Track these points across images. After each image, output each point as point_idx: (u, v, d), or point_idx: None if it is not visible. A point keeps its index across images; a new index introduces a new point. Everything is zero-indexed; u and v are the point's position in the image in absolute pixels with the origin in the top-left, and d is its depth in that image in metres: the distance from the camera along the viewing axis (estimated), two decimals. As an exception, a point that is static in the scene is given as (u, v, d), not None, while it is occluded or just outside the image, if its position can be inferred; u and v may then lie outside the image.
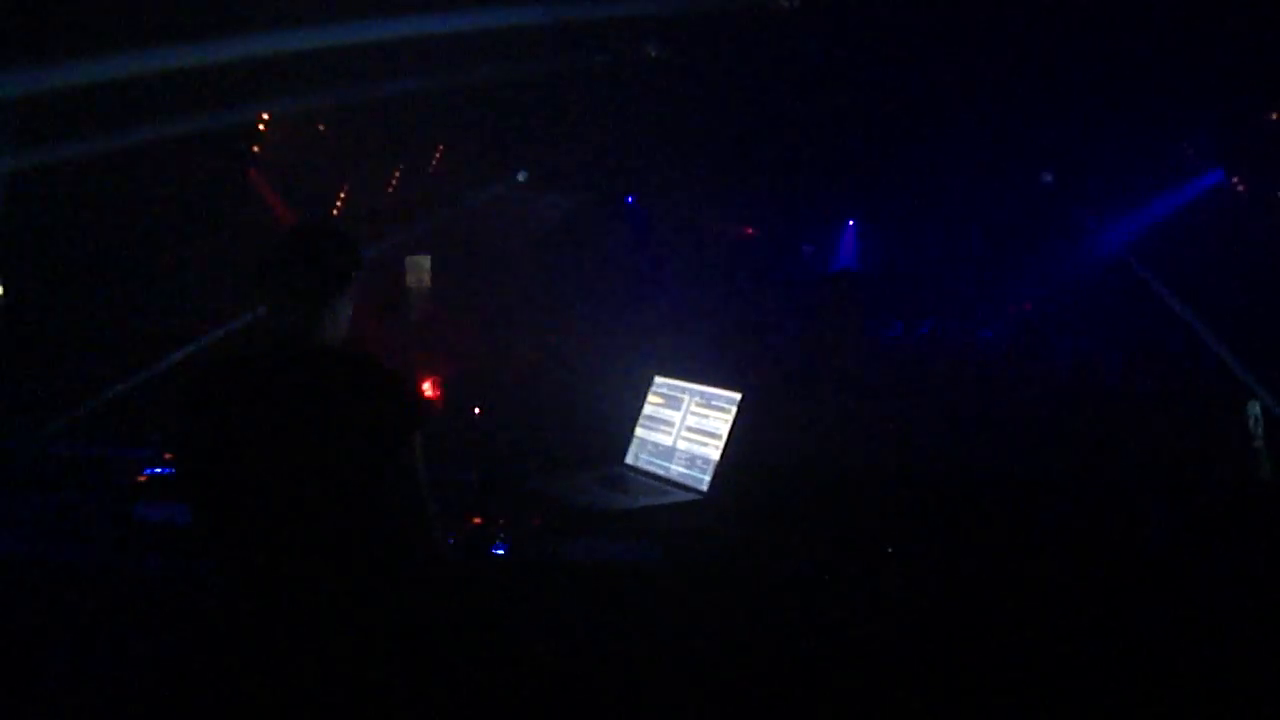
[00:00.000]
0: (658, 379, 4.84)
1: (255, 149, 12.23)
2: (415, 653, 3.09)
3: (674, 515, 4.16)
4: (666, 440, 4.59)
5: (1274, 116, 11.46)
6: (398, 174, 14.98)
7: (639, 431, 4.79)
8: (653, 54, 11.00)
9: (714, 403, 4.42)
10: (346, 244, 3.25)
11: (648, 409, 4.80)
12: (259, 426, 2.96)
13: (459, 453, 5.98)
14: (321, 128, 12.93)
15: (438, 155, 14.84)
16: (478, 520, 4.10)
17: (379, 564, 3.02)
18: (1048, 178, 13.47)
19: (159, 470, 4.68)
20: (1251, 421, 9.85)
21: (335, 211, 14.13)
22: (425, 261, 15.86)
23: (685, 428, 4.51)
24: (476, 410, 10.03)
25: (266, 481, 2.93)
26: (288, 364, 3.08)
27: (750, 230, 16.83)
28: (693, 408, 4.53)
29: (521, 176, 15.14)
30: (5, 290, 9.93)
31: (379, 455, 2.97)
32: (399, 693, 3.03)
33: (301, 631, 2.95)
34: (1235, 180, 12.83)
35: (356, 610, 2.97)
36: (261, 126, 11.85)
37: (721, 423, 4.33)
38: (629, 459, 4.77)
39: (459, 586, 3.45)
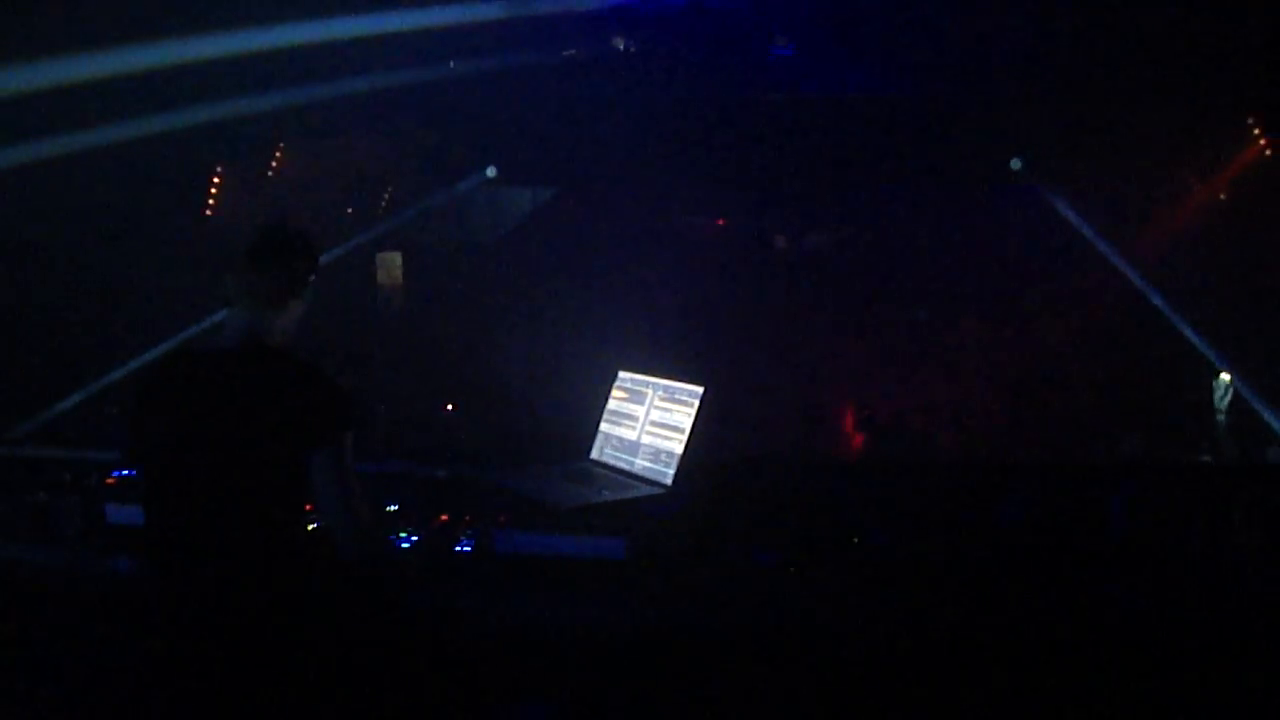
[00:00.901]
0: (621, 374, 4.85)
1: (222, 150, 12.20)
2: (321, 629, 3.31)
3: (639, 509, 4.18)
4: (631, 435, 4.61)
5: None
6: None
7: (604, 426, 4.81)
8: (621, 46, 11.02)
9: (677, 397, 4.45)
10: (305, 248, 3.46)
11: (612, 404, 4.82)
12: (197, 414, 3.22)
13: (427, 449, 6.01)
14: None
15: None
16: (444, 518, 4.12)
17: (291, 543, 3.29)
18: (1017, 164, 13.52)
19: (128, 472, 4.68)
20: (1219, 393, 9.95)
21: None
22: (396, 258, 15.85)
23: (649, 422, 4.53)
24: (450, 407, 10.07)
25: (198, 463, 3.19)
26: (235, 360, 3.31)
27: (721, 221, 16.83)
28: (656, 402, 4.55)
29: (491, 172, 15.14)
30: None
31: (307, 447, 3.19)
32: (305, 668, 3.25)
33: (214, 600, 3.18)
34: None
35: (264, 584, 3.21)
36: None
37: (685, 416, 4.36)
38: (594, 454, 4.78)
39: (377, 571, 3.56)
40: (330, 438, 3.22)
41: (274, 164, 13.38)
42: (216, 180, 12.58)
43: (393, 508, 4.26)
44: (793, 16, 10.09)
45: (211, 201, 12.45)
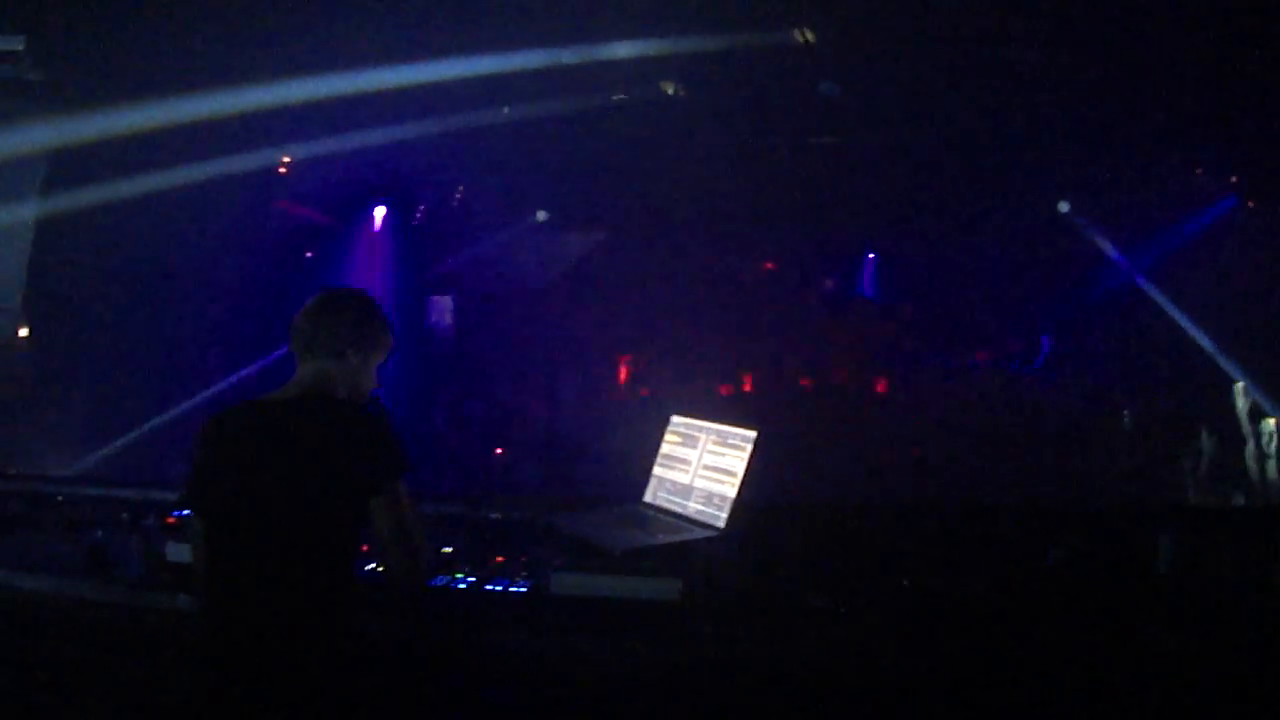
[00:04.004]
0: (675, 418, 4.90)
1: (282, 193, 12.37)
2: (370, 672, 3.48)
3: (692, 552, 4.23)
4: (684, 478, 4.65)
5: None
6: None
7: (657, 470, 4.85)
8: (670, 91, 11.11)
9: (730, 441, 4.49)
10: (357, 303, 3.64)
11: (665, 448, 4.86)
12: (258, 463, 3.33)
13: (481, 492, 6.07)
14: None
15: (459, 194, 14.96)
16: (500, 559, 4.18)
17: (344, 590, 3.40)
18: (1064, 207, 13.51)
19: (187, 513, 4.77)
20: (1265, 439, 9.89)
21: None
22: (447, 302, 15.97)
23: (702, 465, 4.58)
24: (499, 450, 10.13)
25: (257, 510, 3.30)
26: (294, 410, 3.45)
27: (770, 265, 16.83)
28: (709, 446, 4.59)
29: (541, 216, 15.25)
30: (32, 333, 10.07)
31: (364, 494, 3.32)
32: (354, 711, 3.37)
33: (268, 643, 3.28)
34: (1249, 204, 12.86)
35: (317, 629, 3.32)
36: (283, 170, 12.00)
37: (738, 460, 4.39)
38: (648, 497, 4.82)
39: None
40: (385, 485, 3.35)
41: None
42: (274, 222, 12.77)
43: (448, 550, 4.31)
44: (839, 60, 10.15)
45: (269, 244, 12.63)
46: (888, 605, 3.76)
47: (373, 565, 4.02)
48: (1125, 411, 10.98)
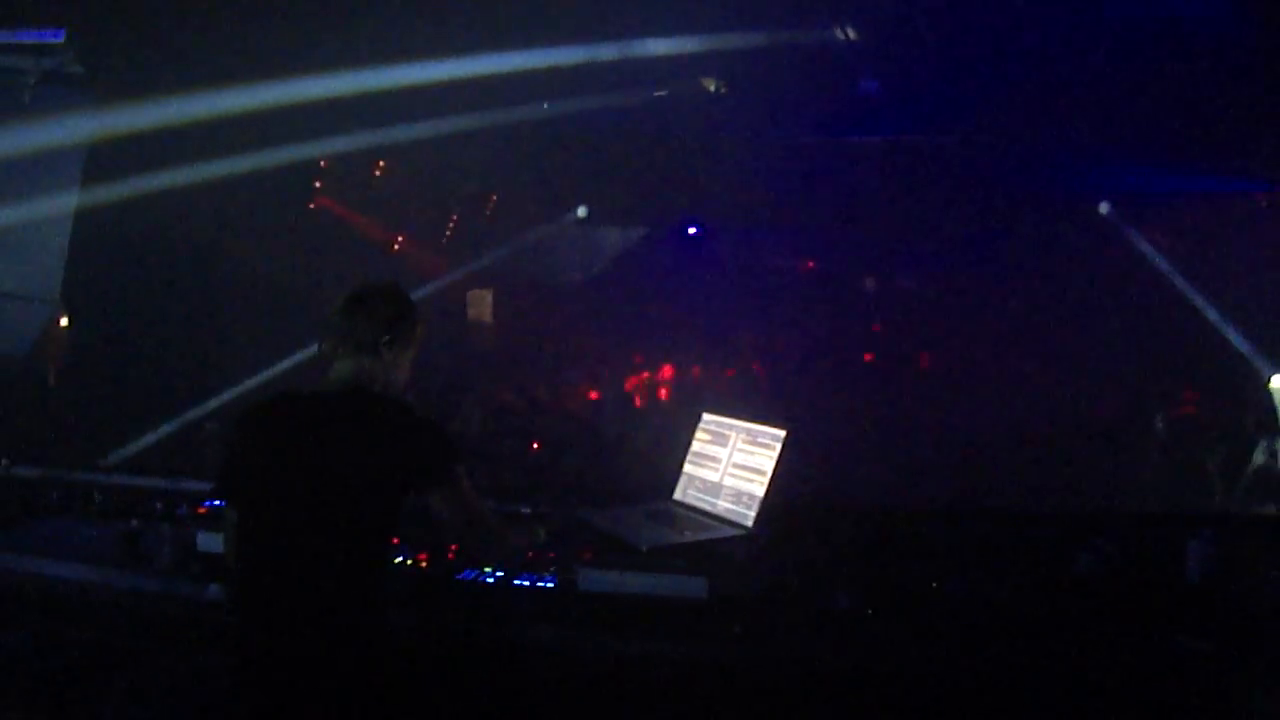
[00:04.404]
0: (706, 416, 4.91)
1: (317, 184, 12.43)
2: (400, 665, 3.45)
3: (720, 550, 4.24)
4: (714, 476, 4.67)
5: None
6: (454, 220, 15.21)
7: (687, 468, 4.87)
8: (712, 88, 11.08)
9: (760, 439, 4.50)
10: (402, 303, 3.64)
11: (696, 445, 4.88)
12: (295, 455, 3.34)
13: (513, 487, 6.08)
14: (381, 164, 13.14)
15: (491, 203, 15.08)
16: (529, 554, 4.19)
17: (377, 583, 3.41)
18: (1105, 207, 13.40)
19: (219, 503, 4.82)
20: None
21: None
22: (487, 296, 16.02)
23: (732, 464, 4.59)
24: (535, 445, 10.15)
25: (293, 502, 3.30)
26: (333, 403, 3.46)
27: (810, 264, 16.78)
28: (739, 444, 4.60)
29: (581, 212, 15.26)
30: (72, 323, 10.17)
31: (413, 488, 3.38)
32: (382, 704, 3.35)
33: (300, 635, 3.29)
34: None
35: (344, 616, 3.32)
36: (324, 164, 12.07)
37: (767, 459, 4.41)
38: (677, 494, 4.84)
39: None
40: (443, 476, 3.41)
41: (370, 189, 13.64)
42: (314, 210, 12.85)
43: (474, 552, 4.33)
44: (881, 56, 10.10)
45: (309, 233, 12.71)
46: (915, 608, 3.75)
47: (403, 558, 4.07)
48: (1158, 415, 10.85)
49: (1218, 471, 9.34)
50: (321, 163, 12.10)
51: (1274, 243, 12.48)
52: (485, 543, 3.71)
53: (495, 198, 15.27)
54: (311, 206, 12.82)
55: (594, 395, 13.27)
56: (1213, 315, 12.82)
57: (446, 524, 3.46)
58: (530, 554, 4.13)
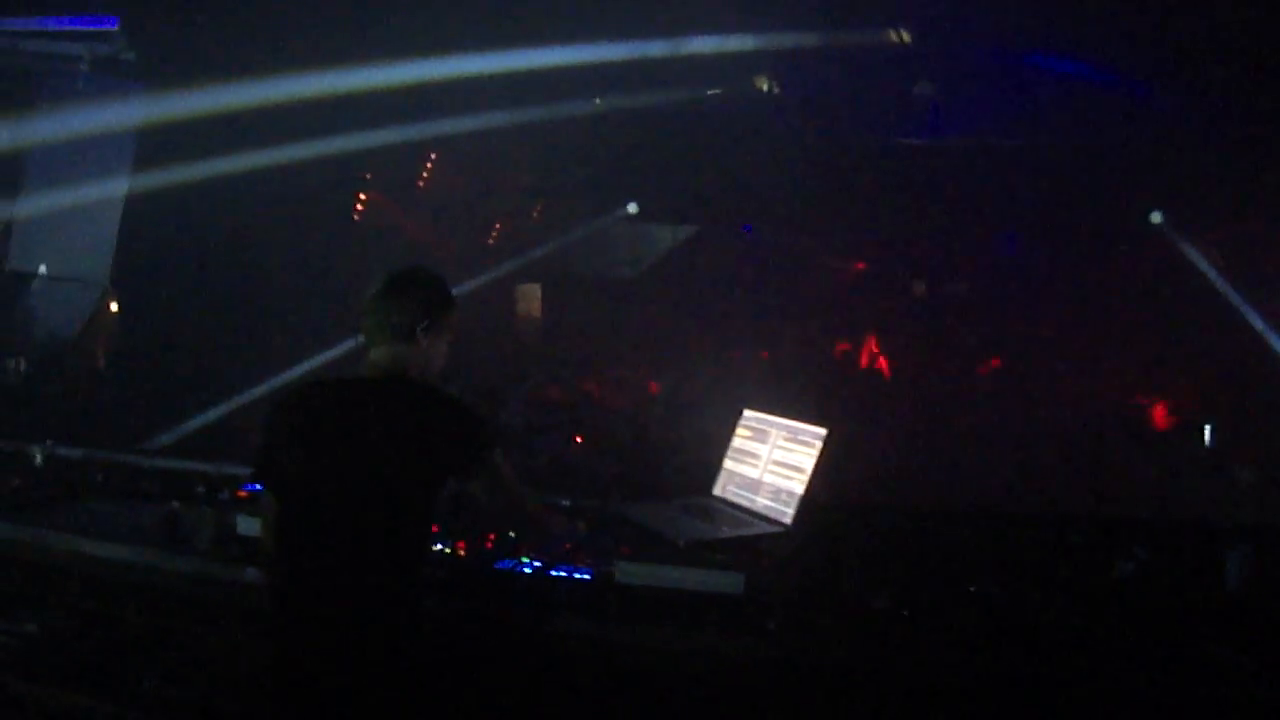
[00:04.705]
0: (747, 412, 4.90)
1: (366, 177, 12.49)
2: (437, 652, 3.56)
3: (758, 546, 4.24)
4: (754, 473, 4.66)
5: None
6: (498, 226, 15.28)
7: (727, 463, 4.86)
8: (764, 87, 11.08)
9: (800, 437, 4.48)
10: (438, 288, 3.64)
11: (736, 442, 4.87)
12: (332, 441, 3.35)
13: (555, 480, 6.11)
14: (434, 156, 13.19)
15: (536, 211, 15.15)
16: (567, 546, 4.20)
17: (414, 569, 3.45)
18: (1157, 217, 13.27)
19: (259, 487, 4.87)
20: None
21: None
22: (536, 290, 16.05)
23: (772, 461, 4.58)
24: (578, 439, 10.16)
25: (331, 487, 3.32)
26: (370, 390, 3.48)
27: (861, 265, 16.70)
28: (779, 442, 4.59)
29: (632, 208, 15.27)
30: (122, 308, 10.29)
31: (453, 474, 3.45)
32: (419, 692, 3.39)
33: (339, 619, 3.29)
34: None
35: (380, 602, 3.33)
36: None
37: (807, 457, 4.39)
38: (716, 490, 4.84)
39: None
40: (481, 462, 3.46)
41: (420, 186, 13.71)
42: (361, 208, 12.91)
43: (514, 534, 4.35)
44: (937, 60, 10.06)
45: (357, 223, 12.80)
46: (951, 610, 3.73)
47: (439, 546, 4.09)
48: (1207, 426, 10.73)
49: (1254, 481, 9.25)
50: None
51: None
52: (524, 526, 3.85)
53: (542, 205, 15.33)
54: (362, 198, 12.88)
55: (654, 389, 13.27)
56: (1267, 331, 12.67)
57: (486, 508, 3.54)
58: (568, 547, 4.13)
